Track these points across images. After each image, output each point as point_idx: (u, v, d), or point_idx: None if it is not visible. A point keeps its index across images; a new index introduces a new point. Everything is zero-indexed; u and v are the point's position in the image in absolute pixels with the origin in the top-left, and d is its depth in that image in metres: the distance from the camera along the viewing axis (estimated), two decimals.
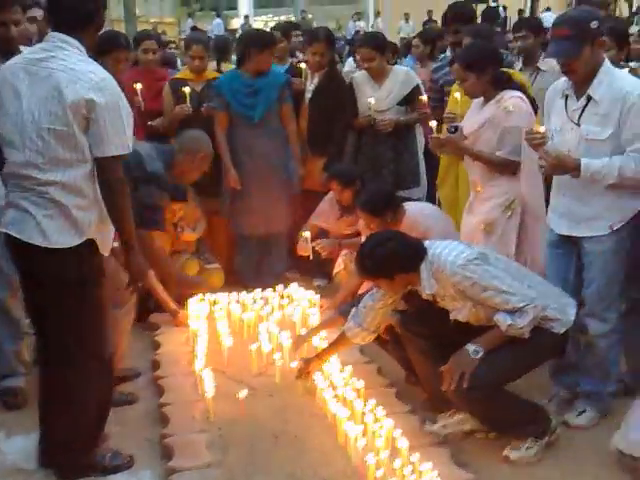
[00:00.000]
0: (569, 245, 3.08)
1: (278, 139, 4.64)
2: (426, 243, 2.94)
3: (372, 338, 3.25)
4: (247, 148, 4.59)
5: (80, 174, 2.43)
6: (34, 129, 2.38)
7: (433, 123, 3.53)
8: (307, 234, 4.35)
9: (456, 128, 3.50)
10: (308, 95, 4.70)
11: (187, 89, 4.44)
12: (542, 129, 2.90)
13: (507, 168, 3.41)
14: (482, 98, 3.50)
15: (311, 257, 4.36)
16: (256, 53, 4.48)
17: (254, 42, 4.55)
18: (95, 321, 2.62)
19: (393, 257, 2.86)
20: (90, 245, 2.52)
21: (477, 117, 3.49)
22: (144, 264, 2.84)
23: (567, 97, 2.97)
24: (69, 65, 2.37)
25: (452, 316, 2.92)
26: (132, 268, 2.64)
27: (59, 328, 2.59)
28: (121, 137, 2.40)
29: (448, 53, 4.77)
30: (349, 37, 16.79)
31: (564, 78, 3.02)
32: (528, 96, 3.48)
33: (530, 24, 4.62)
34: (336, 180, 4.24)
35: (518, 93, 3.42)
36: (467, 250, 2.85)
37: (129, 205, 2.51)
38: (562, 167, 2.86)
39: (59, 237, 2.45)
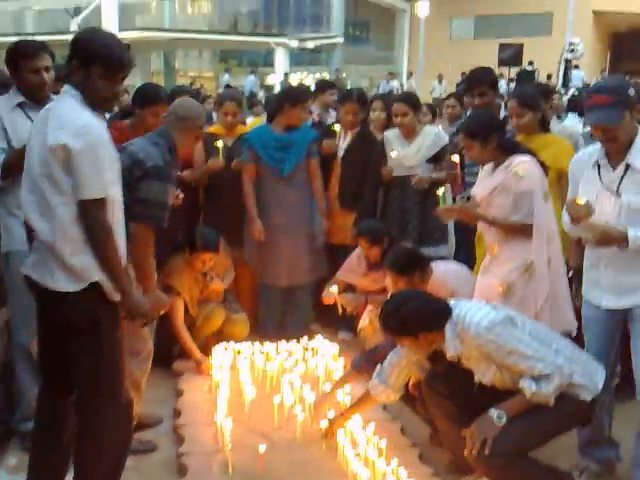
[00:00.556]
0: (615, 319, 3.00)
1: (304, 192, 4.71)
2: (451, 303, 2.92)
3: (397, 397, 3.23)
4: (275, 200, 4.65)
5: (67, 218, 2.44)
6: (33, 175, 2.48)
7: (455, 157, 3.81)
8: (334, 288, 4.35)
9: (469, 197, 3.52)
10: (341, 153, 4.78)
11: (220, 143, 4.51)
12: (583, 201, 2.84)
13: (523, 232, 3.36)
14: (492, 163, 3.53)
15: (340, 311, 4.33)
16: (289, 107, 4.55)
17: (288, 97, 4.65)
18: (111, 366, 2.58)
19: (417, 316, 2.85)
20: (99, 289, 2.50)
21: (488, 183, 3.49)
22: (160, 297, 2.98)
23: (599, 167, 2.93)
24: (61, 113, 2.47)
25: (477, 379, 2.87)
26: (135, 306, 2.59)
27: (76, 375, 2.59)
28: (99, 181, 2.42)
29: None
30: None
31: (590, 148, 3.01)
32: (538, 160, 3.50)
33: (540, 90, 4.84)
34: (364, 237, 4.26)
35: (527, 157, 3.42)
36: (493, 312, 2.82)
37: (113, 249, 2.47)
38: (609, 240, 2.80)
39: (63, 281, 2.47)
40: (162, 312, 3.17)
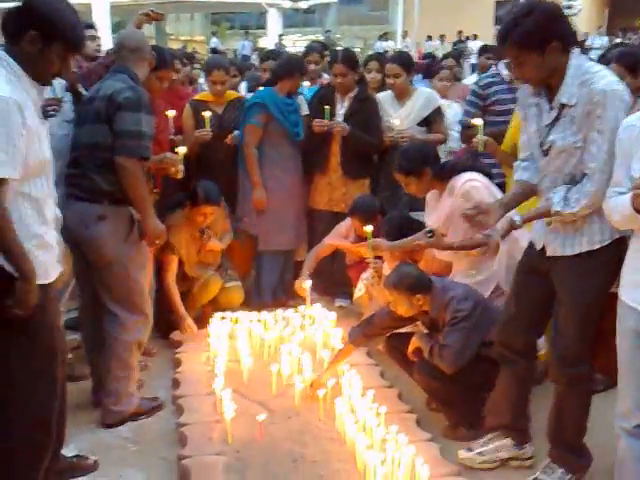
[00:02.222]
0: None
1: (301, 157, 4.74)
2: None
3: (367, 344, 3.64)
4: (284, 164, 4.63)
5: None
6: None
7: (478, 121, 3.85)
8: (308, 284, 4.33)
9: (432, 232, 3.51)
10: (340, 119, 4.61)
11: (207, 114, 4.42)
12: None
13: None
14: (434, 193, 3.60)
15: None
16: (298, 76, 4.61)
17: (300, 65, 4.71)
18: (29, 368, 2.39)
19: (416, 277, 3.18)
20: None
21: (437, 212, 3.56)
22: (158, 227, 3.14)
23: None
24: None
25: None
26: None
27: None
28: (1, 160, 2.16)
29: (501, 70, 4.53)
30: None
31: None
32: (476, 168, 3.54)
33: None
34: (357, 215, 4.24)
35: (468, 175, 3.45)
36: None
37: (7, 232, 2.21)
38: None
39: None
40: (158, 243, 3.27)
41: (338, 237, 4.45)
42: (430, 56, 9.89)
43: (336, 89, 4.67)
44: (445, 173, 3.54)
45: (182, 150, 3.82)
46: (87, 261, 3.22)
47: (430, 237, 3.50)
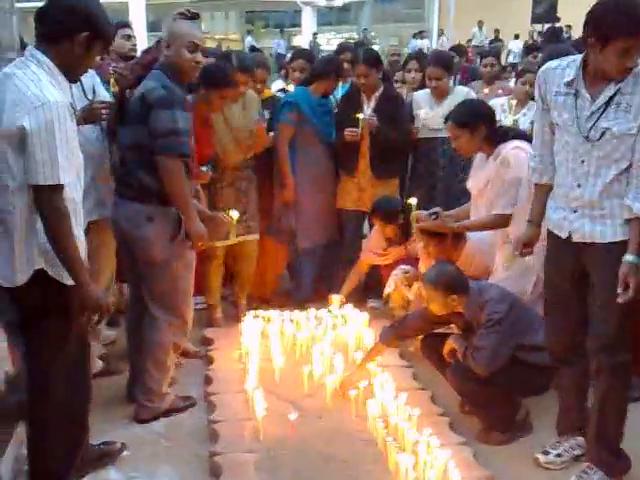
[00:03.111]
0: None
1: (332, 157, 4.73)
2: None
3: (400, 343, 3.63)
4: (315, 164, 4.63)
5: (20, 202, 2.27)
6: None
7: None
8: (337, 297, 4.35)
9: (437, 214, 3.45)
10: (361, 115, 4.51)
11: None
12: None
13: (499, 224, 3.36)
14: (483, 155, 3.49)
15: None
16: (335, 78, 4.60)
17: (338, 67, 4.67)
18: (64, 363, 2.45)
19: (455, 277, 3.15)
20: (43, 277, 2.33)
21: (480, 176, 3.47)
22: (201, 228, 3.10)
23: None
24: (20, 85, 2.23)
25: None
26: (89, 296, 2.35)
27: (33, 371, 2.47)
28: (52, 166, 2.20)
29: None
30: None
31: None
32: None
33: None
34: (378, 216, 4.25)
35: (517, 143, 3.35)
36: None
37: (69, 236, 2.28)
38: None
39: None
40: (201, 245, 3.20)
41: (370, 252, 4.44)
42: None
43: (363, 90, 4.60)
44: (497, 136, 3.42)
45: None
46: (135, 260, 3.25)
47: (435, 218, 3.45)
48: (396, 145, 4.56)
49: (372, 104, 4.59)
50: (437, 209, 3.48)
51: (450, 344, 3.23)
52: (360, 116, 4.44)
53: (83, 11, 2.29)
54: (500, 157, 3.34)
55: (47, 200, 2.22)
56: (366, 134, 4.50)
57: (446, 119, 3.54)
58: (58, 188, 2.23)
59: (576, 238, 2.70)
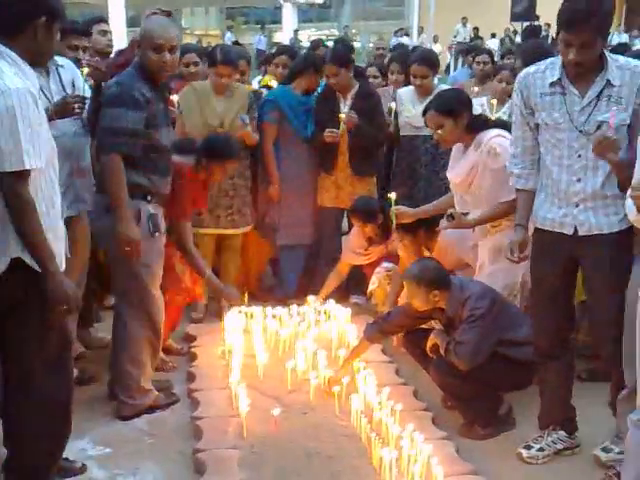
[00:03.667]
0: None
1: (313, 155, 4.72)
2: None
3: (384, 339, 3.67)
4: (296, 162, 4.64)
5: None
6: None
7: None
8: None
9: (452, 215, 3.42)
10: (343, 113, 4.51)
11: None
12: None
13: (509, 211, 3.23)
14: (461, 146, 3.49)
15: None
16: (314, 72, 4.60)
17: (314, 61, 4.67)
18: (46, 356, 2.40)
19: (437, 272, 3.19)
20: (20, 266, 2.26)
21: (463, 165, 3.43)
22: (133, 231, 3.02)
23: None
24: None
25: None
26: (56, 287, 2.28)
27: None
28: (16, 153, 2.15)
29: None
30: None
31: None
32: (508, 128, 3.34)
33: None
34: (356, 215, 4.27)
35: (497, 131, 3.37)
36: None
37: (35, 223, 2.22)
38: None
39: None
40: (128, 250, 3.05)
41: (351, 252, 4.45)
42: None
43: (337, 90, 4.55)
44: (476, 125, 3.43)
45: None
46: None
47: (452, 219, 3.42)
48: (375, 142, 4.57)
49: (348, 102, 4.56)
50: (451, 210, 3.44)
51: (432, 339, 3.25)
52: (341, 115, 4.42)
53: None
54: (485, 146, 3.32)
55: (10, 187, 2.18)
56: (345, 132, 4.49)
57: (425, 111, 3.48)
58: (23, 175, 2.18)
59: (582, 232, 2.75)
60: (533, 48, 4.53)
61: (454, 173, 3.50)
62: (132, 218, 3.07)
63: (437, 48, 20.32)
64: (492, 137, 3.34)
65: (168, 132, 3.28)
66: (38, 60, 2.36)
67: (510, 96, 4.69)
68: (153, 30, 3.08)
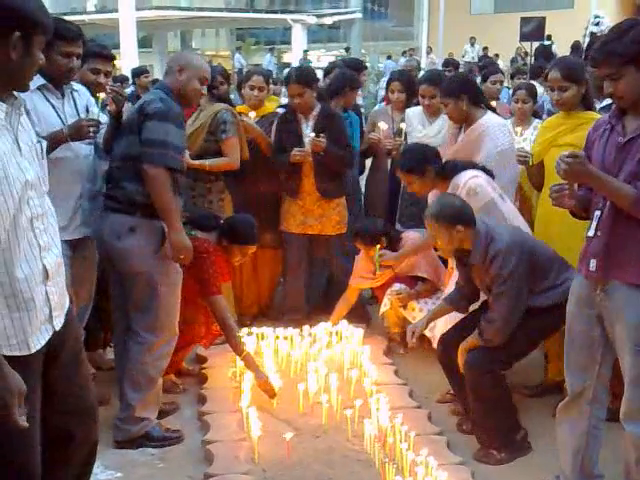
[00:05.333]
0: None
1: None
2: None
3: None
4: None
5: None
6: None
7: None
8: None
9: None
10: (306, 140, 4.39)
11: (248, 118, 4.48)
12: None
13: None
14: (437, 191, 3.59)
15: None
16: (350, 90, 4.87)
17: (351, 80, 4.94)
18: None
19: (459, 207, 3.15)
20: None
21: None
22: (185, 241, 3.08)
23: None
24: None
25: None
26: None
27: None
28: None
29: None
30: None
31: None
32: (476, 166, 3.54)
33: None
34: (360, 240, 4.25)
35: (470, 172, 3.46)
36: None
37: None
38: None
39: None
40: (183, 258, 3.12)
41: (358, 277, 4.41)
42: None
43: (299, 110, 4.48)
44: (447, 172, 3.55)
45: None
46: (119, 275, 3.21)
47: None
48: (342, 163, 4.49)
49: (310, 123, 4.48)
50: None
51: (464, 346, 3.18)
52: (311, 134, 4.35)
53: (6, 8, 1.85)
54: (463, 189, 3.41)
55: None
56: (308, 155, 4.39)
57: (396, 169, 3.72)
58: None
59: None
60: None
61: None
62: (182, 228, 3.14)
63: (474, 50, 20.57)
64: (468, 179, 3.43)
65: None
66: (16, 81, 1.94)
67: (535, 115, 4.65)
68: (203, 65, 3.35)
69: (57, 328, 2.05)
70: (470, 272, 3.22)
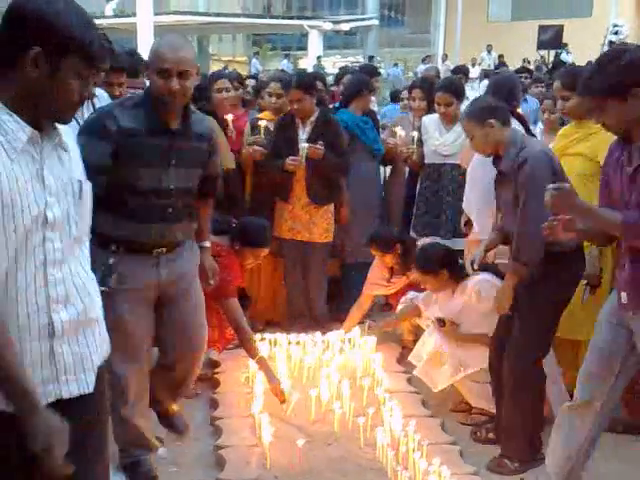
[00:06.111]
0: None
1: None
2: None
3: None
4: (368, 180, 4.82)
5: None
6: None
7: None
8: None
9: (443, 320, 3.59)
10: (303, 145, 4.37)
11: (263, 122, 4.51)
12: None
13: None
14: (448, 290, 3.66)
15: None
16: (367, 93, 4.91)
17: (367, 83, 4.99)
18: None
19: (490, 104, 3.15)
20: None
21: (452, 306, 3.63)
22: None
23: None
24: None
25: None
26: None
27: None
28: None
29: None
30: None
31: None
32: (493, 270, 3.51)
33: None
34: (374, 246, 4.26)
35: (481, 276, 3.47)
36: None
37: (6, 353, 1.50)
38: None
39: None
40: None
41: (372, 283, 4.41)
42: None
43: (297, 115, 4.48)
44: (461, 275, 3.60)
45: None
46: None
47: (443, 325, 3.57)
48: (337, 170, 4.50)
49: (307, 129, 4.47)
50: (442, 317, 3.62)
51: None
52: (304, 145, 4.35)
53: (30, 17, 1.54)
54: (472, 290, 3.49)
55: None
56: (302, 160, 4.40)
57: (409, 266, 3.83)
58: None
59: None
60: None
61: (446, 313, 3.63)
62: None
63: (491, 58, 20.54)
64: (477, 282, 3.49)
65: (165, 173, 2.66)
66: (45, 111, 1.61)
67: (563, 124, 4.56)
68: (160, 52, 2.56)
69: (65, 395, 1.65)
70: (500, 189, 3.13)
